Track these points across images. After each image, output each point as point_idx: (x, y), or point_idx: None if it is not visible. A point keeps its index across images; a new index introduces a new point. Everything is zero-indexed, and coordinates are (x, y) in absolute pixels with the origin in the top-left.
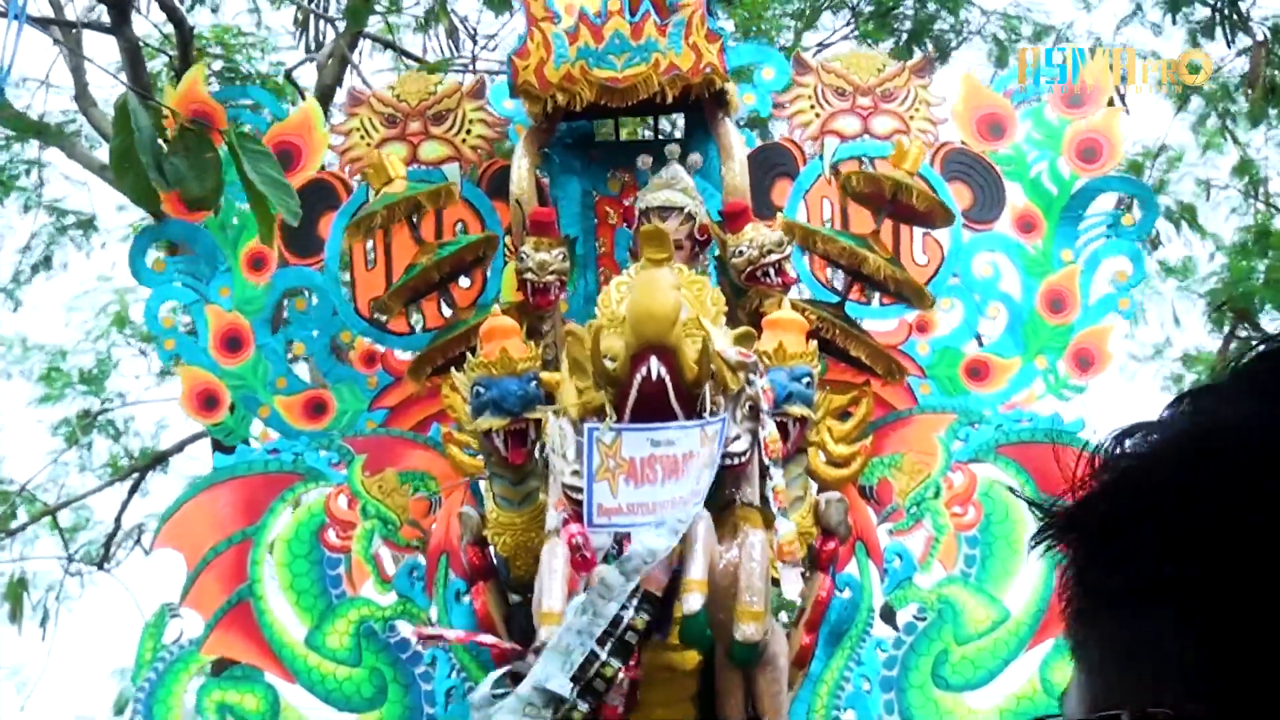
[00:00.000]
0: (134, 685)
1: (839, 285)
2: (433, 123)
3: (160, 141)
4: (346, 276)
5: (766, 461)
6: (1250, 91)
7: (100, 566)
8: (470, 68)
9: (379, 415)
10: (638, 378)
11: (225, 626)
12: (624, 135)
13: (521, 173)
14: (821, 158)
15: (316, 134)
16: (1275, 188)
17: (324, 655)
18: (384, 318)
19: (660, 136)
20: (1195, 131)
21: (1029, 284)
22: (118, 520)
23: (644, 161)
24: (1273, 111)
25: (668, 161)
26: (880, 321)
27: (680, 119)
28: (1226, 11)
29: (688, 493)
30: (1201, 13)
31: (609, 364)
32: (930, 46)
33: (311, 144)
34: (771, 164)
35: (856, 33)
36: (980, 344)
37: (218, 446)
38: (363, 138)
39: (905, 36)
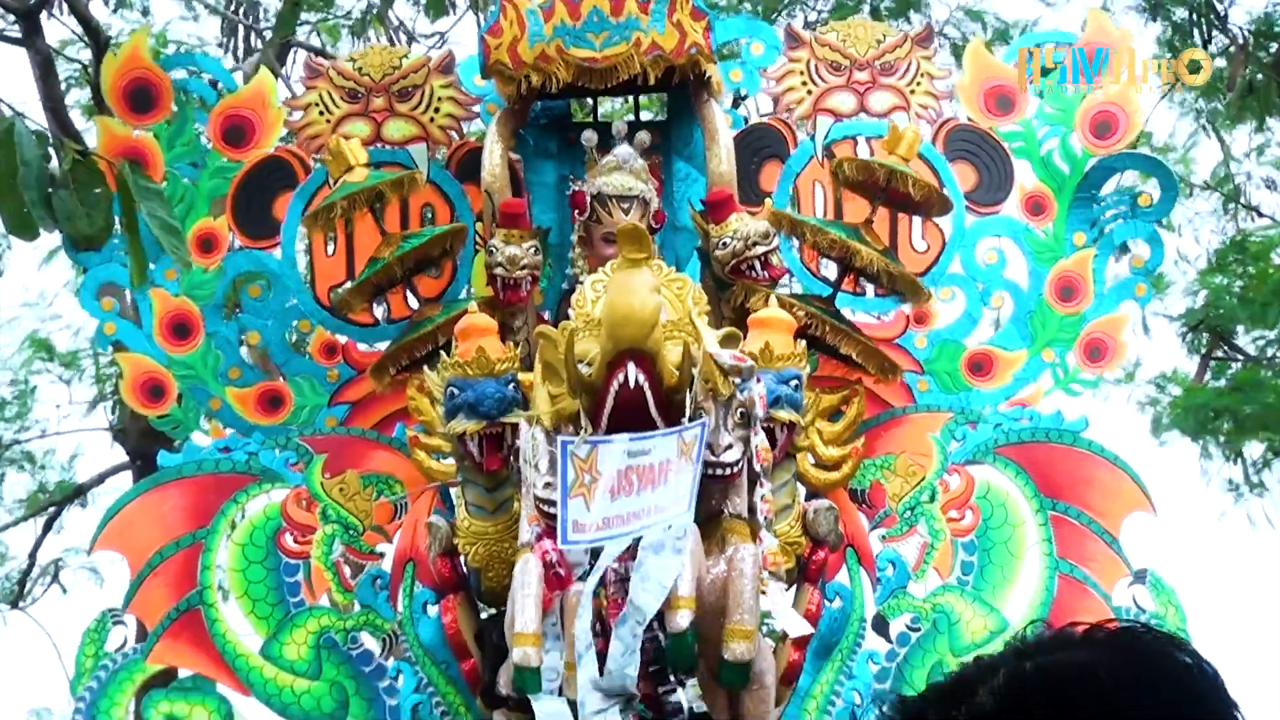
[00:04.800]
0: (73, 696)
1: (831, 274)
2: (398, 99)
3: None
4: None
5: (757, 470)
6: (1229, 93)
7: (15, 605)
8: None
9: (340, 411)
10: (614, 385)
11: (173, 634)
12: (603, 115)
13: (494, 160)
14: (813, 138)
15: (271, 108)
16: (1255, 198)
17: (281, 667)
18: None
19: (641, 117)
20: (1176, 128)
21: (1037, 270)
22: (32, 557)
23: (587, 138)
24: (1252, 120)
25: (613, 141)
26: (876, 313)
27: (663, 97)
28: (1204, 11)
29: (668, 500)
30: (1180, 14)
31: (583, 369)
32: None
33: (265, 119)
34: (759, 146)
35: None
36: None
37: (162, 444)
38: (321, 113)
39: None
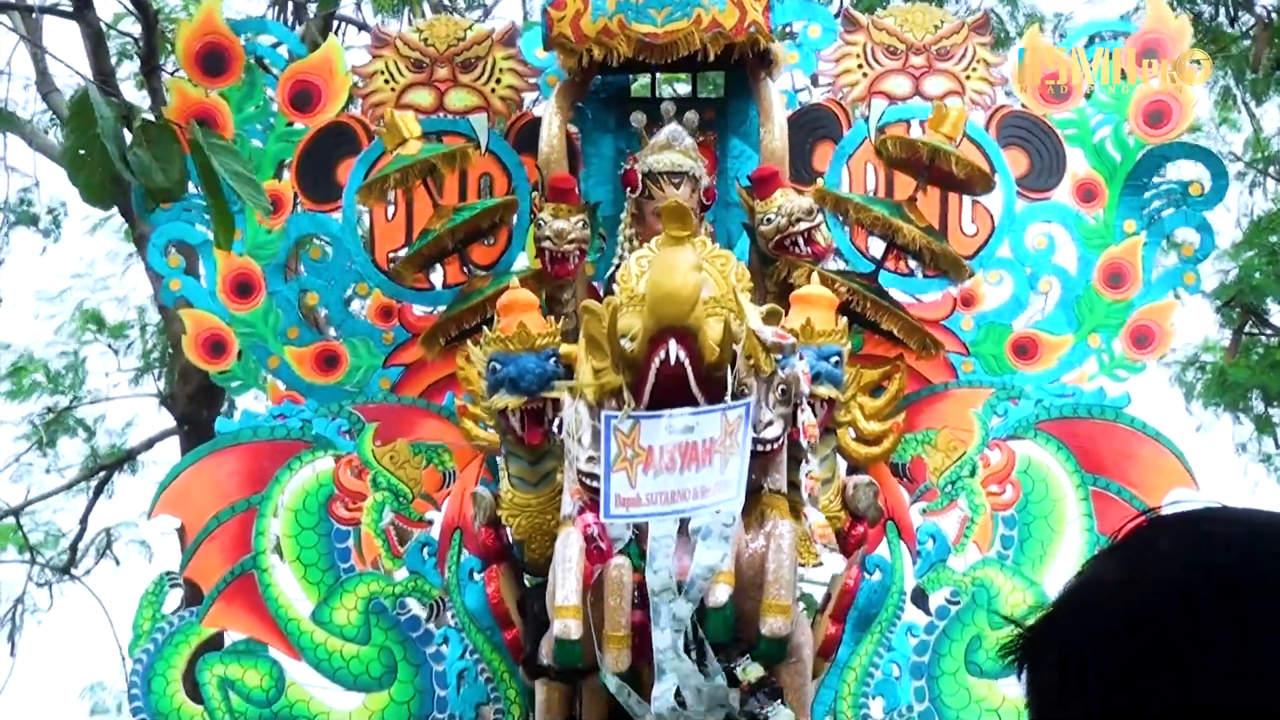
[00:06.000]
0: (130, 657)
1: (878, 253)
2: (461, 70)
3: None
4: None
5: (805, 446)
6: (1255, 71)
7: (66, 572)
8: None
9: (394, 372)
10: (656, 361)
11: (228, 599)
12: (662, 88)
13: (551, 132)
14: (867, 121)
15: (338, 75)
16: None
17: (331, 631)
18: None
19: (699, 94)
20: (1212, 101)
21: (1087, 257)
22: (83, 521)
23: (636, 119)
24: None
25: (662, 119)
26: (922, 294)
27: (720, 76)
28: None
29: (714, 483)
30: None
31: (626, 344)
32: None
33: (332, 85)
34: (814, 127)
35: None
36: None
37: (208, 410)
38: (386, 82)
39: None
